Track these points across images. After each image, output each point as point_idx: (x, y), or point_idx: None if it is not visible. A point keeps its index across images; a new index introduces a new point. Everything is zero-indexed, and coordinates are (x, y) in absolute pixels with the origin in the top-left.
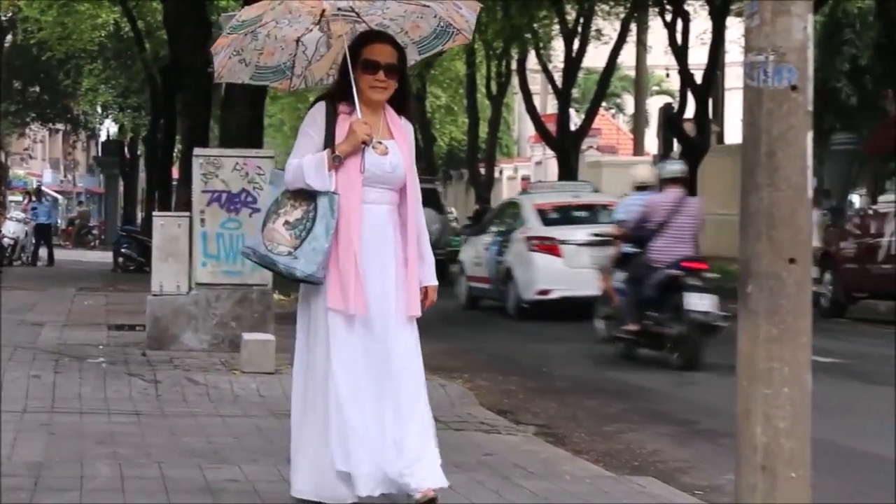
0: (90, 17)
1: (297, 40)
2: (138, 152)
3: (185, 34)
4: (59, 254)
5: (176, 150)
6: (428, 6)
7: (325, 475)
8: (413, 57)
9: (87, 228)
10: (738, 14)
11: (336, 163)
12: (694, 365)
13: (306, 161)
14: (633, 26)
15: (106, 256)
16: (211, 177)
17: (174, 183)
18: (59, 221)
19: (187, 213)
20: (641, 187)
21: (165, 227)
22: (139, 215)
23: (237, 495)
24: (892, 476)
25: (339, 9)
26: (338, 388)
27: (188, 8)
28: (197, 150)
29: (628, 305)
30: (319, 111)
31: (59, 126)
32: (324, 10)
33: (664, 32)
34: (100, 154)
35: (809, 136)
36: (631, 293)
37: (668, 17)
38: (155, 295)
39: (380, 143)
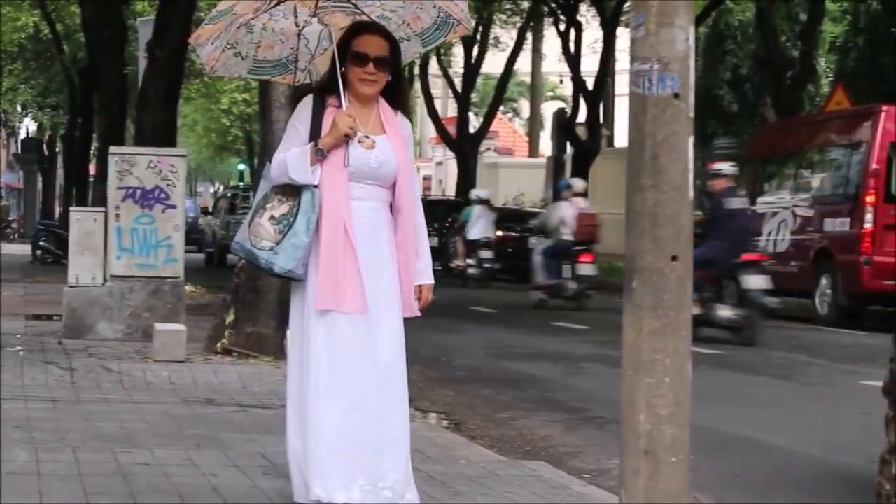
0: (10, 19)
1: (299, 34)
2: (57, 150)
3: (103, 37)
4: None
5: (93, 147)
6: None
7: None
8: (417, 49)
9: (6, 222)
10: (628, 24)
11: (319, 156)
12: None
13: (290, 154)
14: (529, 35)
15: (25, 249)
16: (126, 174)
17: (91, 179)
18: None
19: (103, 209)
20: None
21: (82, 222)
22: (57, 210)
23: (147, 478)
24: (764, 457)
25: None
26: (313, 389)
27: (105, 12)
28: (113, 149)
29: None
30: (307, 104)
31: None
32: (316, 2)
33: (558, 41)
34: (19, 151)
35: (691, 140)
36: None
37: (562, 27)
38: (71, 286)
39: (367, 137)
